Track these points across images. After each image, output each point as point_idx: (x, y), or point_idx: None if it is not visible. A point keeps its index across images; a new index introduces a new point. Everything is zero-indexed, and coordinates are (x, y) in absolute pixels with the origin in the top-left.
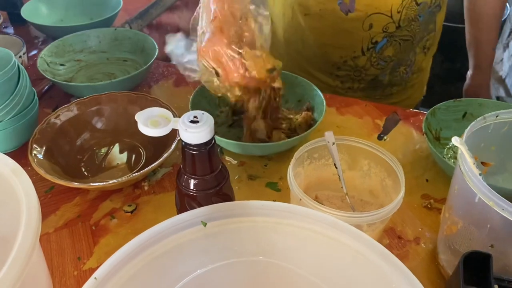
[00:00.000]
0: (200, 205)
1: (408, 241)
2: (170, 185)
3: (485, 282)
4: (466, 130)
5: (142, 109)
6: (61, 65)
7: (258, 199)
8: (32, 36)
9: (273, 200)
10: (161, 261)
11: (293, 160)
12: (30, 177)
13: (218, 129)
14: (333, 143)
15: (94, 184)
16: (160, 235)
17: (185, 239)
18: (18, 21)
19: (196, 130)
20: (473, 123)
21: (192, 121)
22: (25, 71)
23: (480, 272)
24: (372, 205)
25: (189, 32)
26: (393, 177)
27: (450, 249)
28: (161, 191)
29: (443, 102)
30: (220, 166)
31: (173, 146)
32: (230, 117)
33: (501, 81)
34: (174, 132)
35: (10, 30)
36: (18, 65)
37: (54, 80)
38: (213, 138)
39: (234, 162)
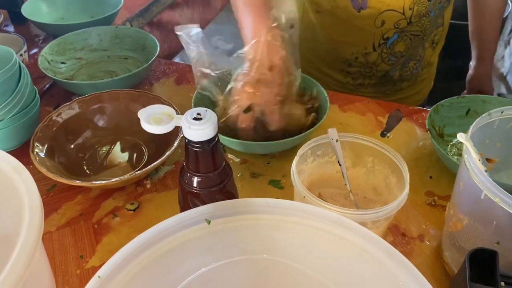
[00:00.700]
0: (204, 203)
1: (412, 238)
2: (173, 183)
3: (491, 280)
4: (471, 126)
5: (144, 107)
6: (62, 63)
7: (261, 197)
8: (33, 35)
9: (276, 198)
10: (164, 259)
11: (296, 158)
12: (32, 175)
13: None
14: (337, 140)
15: (96, 182)
16: (163, 233)
17: (189, 237)
18: (18, 20)
19: (199, 127)
20: (478, 119)
21: (195, 118)
22: (26, 70)
23: (486, 269)
24: (376, 203)
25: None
26: (397, 174)
27: (455, 246)
28: (164, 189)
29: (447, 99)
30: (224, 164)
31: (175, 144)
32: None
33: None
34: (176, 130)
35: (11, 28)
36: (19, 63)
37: (55, 78)
38: (216, 135)
39: (237, 160)
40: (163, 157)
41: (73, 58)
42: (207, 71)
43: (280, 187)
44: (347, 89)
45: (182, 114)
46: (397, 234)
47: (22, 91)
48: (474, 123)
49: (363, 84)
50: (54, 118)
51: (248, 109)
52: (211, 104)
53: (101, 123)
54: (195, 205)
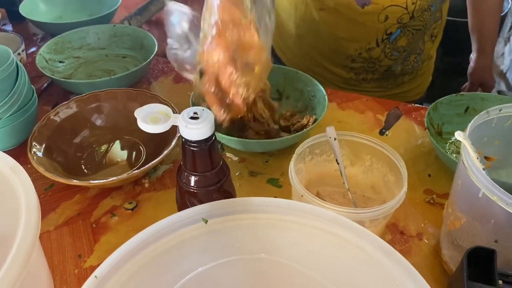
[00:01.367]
0: (201, 202)
1: (411, 236)
2: (171, 182)
3: (489, 278)
4: (470, 124)
5: (142, 105)
6: (60, 62)
7: (259, 196)
8: (31, 33)
9: (274, 197)
10: (162, 259)
11: (294, 156)
12: (30, 175)
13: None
14: (335, 139)
15: (94, 181)
16: (161, 232)
17: (186, 237)
18: (16, 18)
19: (196, 126)
20: (476, 117)
21: (192, 117)
22: (24, 69)
23: (484, 268)
24: (375, 201)
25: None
26: (395, 172)
27: (453, 244)
28: (162, 188)
29: (445, 97)
30: (221, 163)
31: (173, 143)
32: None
33: (502, 75)
34: (174, 129)
35: (9, 27)
36: (16, 62)
37: (53, 77)
38: (213, 134)
39: (235, 158)
40: (161, 156)
41: (71, 57)
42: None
43: (278, 185)
44: (349, 85)
45: (180, 113)
46: (395, 233)
47: (20, 90)
48: (472, 121)
49: (366, 79)
50: (52, 117)
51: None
52: None
53: (99, 122)
54: (193, 204)
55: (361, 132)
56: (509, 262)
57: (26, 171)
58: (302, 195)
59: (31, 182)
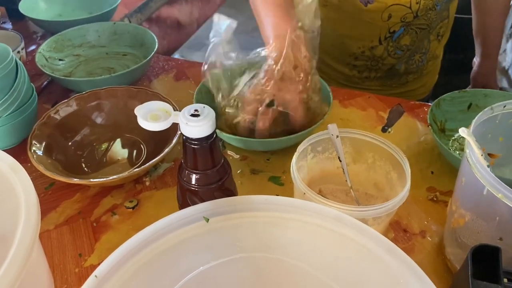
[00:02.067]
0: (202, 200)
1: (414, 234)
2: (172, 180)
3: (494, 276)
4: (473, 121)
5: (142, 103)
6: (60, 60)
7: (261, 194)
8: (31, 31)
9: (276, 195)
10: (163, 258)
11: (296, 154)
12: (30, 173)
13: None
14: (337, 136)
15: (95, 180)
16: (162, 231)
17: (187, 235)
18: (16, 16)
19: (197, 123)
20: (480, 113)
21: (193, 115)
22: (23, 67)
23: (489, 266)
24: (377, 199)
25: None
26: (398, 170)
27: (457, 242)
28: (163, 186)
29: (448, 93)
30: (222, 161)
31: (174, 141)
32: None
33: (505, 72)
34: (175, 127)
35: (8, 25)
36: (16, 60)
37: (53, 75)
38: (214, 132)
39: (236, 156)
40: (162, 154)
41: (71, 55)
42: (219, 60)
43: (280, 183)
44: (353, 83)
45: (181, 110)
46: (398, 230)
47: (19, 89)
48: (476, 118)
49: (369, 77)
50: (52, 115)
51: (271, 104)
52: (213, 101)
53: (99, 120)
54: (194, 203)
55: (363, 129)
56: None
57: (26, 170)
58: (304, 193)
59: (31, 181)
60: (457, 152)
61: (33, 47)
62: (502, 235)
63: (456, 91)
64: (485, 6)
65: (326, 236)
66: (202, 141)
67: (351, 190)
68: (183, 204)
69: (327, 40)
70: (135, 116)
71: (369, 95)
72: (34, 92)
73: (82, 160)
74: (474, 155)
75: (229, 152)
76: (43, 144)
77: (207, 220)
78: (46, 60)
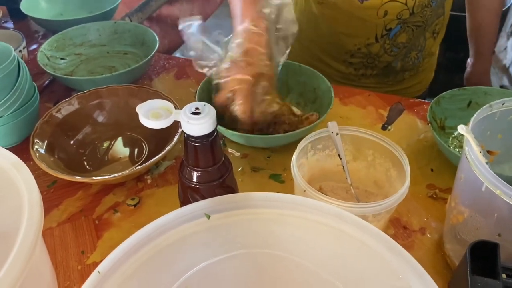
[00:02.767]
0: (203, 198)
1: (414, 231)
2: (173, 178)
3: (493, 272)
4: (472, 118)
5: (143, 102)
6: (62, 59)
7: (261, 191)
8: (32, 31)
9: (277, 192)
10: (164, 254)
11: (296, 151)
12: (32, 172)
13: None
14: (337, 134)
15: (97, 178)
16: (163, 228)
17: (189, 232)
18: (17, 16)
19: (198, 121)
20: (479, 111)
21: (194, 113)
22: (25, 66)
23: (488, 262)
24: (377, 196)
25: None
26: (398, 167)
27: (456, 238)
28: (164, 184)
29: (448, 91)
30: (223, 158)
31: (175, 139)
32: None
33: (505, 70)
34: (176, 125)
35: (10, 24)
36: (18, 59)
37: (55, 74)
38: (215, 129)
39: (237, 154)
40: (163, 152)
41: (72, 53)
42: (205, 63)
43: (280, 181)
44: (349, 80)
45: (182, 108)
46: (398, 227)
47: (21, 88)
48: (475, 115)
49: (365, 74)
50: (53, 114)
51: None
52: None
53: (100, 118)
54: (195, 200)
55: (363, 127)
56: None
57: (29, 168)
58: (304, 190)
59: (34, 179)
60: (457, 150)
61: (34, 46)
62: (501, 231)
63: (456, 89)
64: (478, 5)
65: (327, 232)
66: (203, 138)
67: (351, 187)
68: (184, 201)
69: (323, 38)
70: (137, 115)
71: (369, 93)
72: (36, 91)
73: (84, 158)
74: (472, 152)
75: (230, 150)
76: (45, 142)
77: (208, 217)
78: (48, 59)
